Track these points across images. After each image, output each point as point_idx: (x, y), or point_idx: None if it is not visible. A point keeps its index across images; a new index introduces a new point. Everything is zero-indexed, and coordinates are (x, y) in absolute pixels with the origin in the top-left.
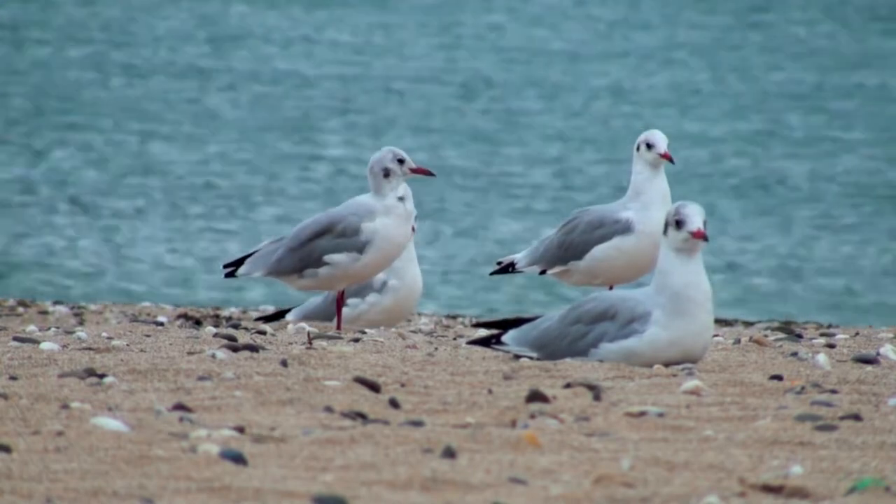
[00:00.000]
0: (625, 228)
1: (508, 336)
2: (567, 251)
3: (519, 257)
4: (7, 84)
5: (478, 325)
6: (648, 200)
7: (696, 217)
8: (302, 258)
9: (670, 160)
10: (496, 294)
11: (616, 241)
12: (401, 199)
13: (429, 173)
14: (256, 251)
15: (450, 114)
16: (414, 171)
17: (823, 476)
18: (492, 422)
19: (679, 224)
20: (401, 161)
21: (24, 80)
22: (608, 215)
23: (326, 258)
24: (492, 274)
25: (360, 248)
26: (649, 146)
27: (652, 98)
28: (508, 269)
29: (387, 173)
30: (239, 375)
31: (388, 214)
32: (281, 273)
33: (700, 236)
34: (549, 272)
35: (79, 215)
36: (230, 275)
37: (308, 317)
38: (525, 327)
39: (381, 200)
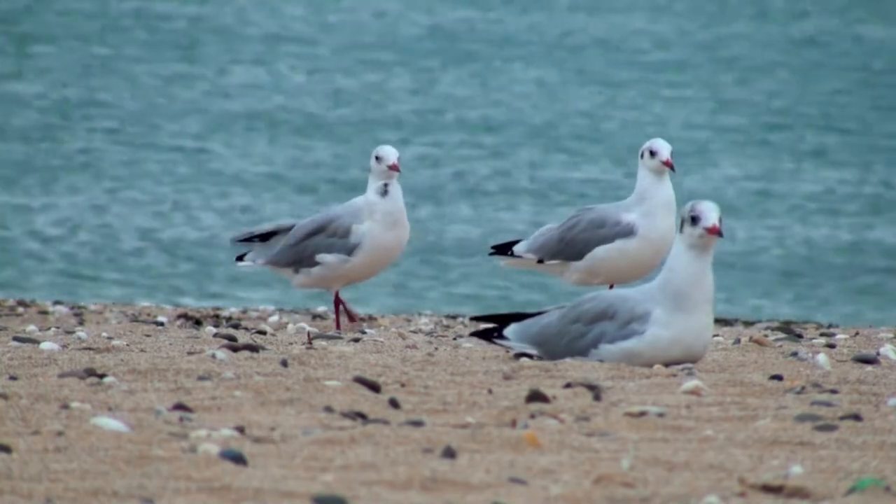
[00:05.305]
0: (627, 231)
1: (510, 330)
2: (567, 247)
3: (519, 244)
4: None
5: (476, 319)
6: (652, 206)
7: (710, 213)
8: (296, 254)
9: (672, 168)
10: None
11: (618, 244)
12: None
13: (395, 169)
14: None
15: None
16: (390, 168)
17: (823, 476)
18: (492, 422)
19: (694, 220)
20: (378, 158)
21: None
22: (611, 216)
23: (318, 258)
24: (490, 254)
25: (350, 250)
26: (652, 153)
27: None
28: (507, 252)
29: (371, 170)
30: (239, 375)
31: (372, 215)
32: (277, 265)
33: (715, 232)
34: (547, 262)
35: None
36: (239, 258)
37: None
38: (527, 322)
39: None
